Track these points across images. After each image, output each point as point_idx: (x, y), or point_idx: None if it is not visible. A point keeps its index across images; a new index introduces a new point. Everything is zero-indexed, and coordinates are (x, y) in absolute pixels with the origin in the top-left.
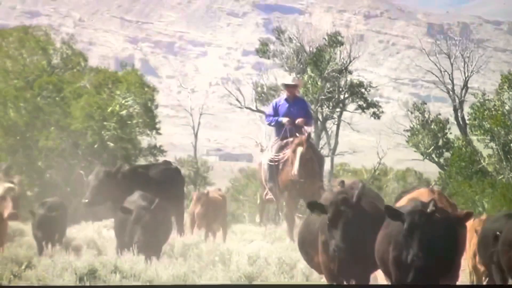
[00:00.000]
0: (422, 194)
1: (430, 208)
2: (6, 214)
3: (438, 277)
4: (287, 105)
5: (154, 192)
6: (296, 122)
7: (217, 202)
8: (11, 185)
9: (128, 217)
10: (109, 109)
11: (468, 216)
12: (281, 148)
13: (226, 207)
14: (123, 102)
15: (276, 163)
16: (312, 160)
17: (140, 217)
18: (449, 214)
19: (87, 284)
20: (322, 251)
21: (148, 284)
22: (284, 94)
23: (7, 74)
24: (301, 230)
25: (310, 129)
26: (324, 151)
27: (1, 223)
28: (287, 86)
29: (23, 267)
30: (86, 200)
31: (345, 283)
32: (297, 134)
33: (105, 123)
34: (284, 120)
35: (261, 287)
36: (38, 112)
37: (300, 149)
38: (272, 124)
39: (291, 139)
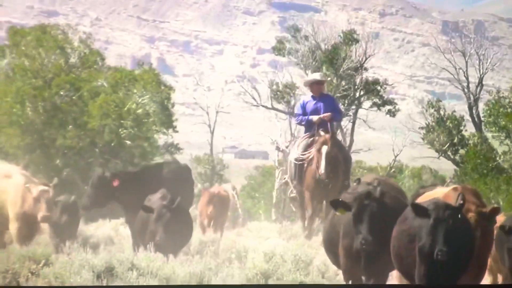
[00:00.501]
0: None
1: (458, 202)
2: (39, 216)
3: (461, 273)
4: (314, 101)
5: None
6: (322, 116)
7: (225, 200)
8: (46, 187)
9: (149, 216)
10: (126, 108)
11: (496, 211)
12: (307, 146)
13: (227, 204)
14: (139, 100)
15: (302, 162)
16: (337, 159)
17: (161, 216)
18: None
19: (104, 282)
20: (343, 255)
21: (165, 282)
22: (309, 92)
23: (25, 73)
24: (328, 231)
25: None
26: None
27: (34, 224)
28: (312, 83)
29: (40, 264)
30: (83, 205)
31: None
32: (321, 133)
33: (122, 121)
34: (315, 118)
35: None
36: (56, 111)
37: (325, 148)
38: (303, 123)
39: (317, 137)
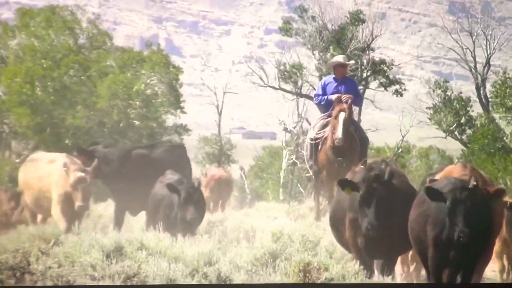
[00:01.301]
0: (454, 170)
1: (472, 183)
2: (76, 205)
3: (477, 255)
4: (335, 84)
5: (158, 173)
6: (343, 97)
7: (222, 183)
8: (82, 174)
9: (171, 196)
10: (134, 88)
11: (500, 193)
12: (323, 127)
13: (231, 185)
14: (148, 81)
15: (317, 141)
16: (352, 136)
17: (191, 196)
18: (487, 191)
19: (114, 261)
20: (349, 228)
21: (173, 261)
22: (332, 74)
23: (34, 53)
24: (333, 208)
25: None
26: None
27: (73, 212)
28: (336, 66)
29: (50, 244)
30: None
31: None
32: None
33: (130, 102)
34: (334, 97)
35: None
36: (65, 91)
37: (342, 114)
38: (322, 103)
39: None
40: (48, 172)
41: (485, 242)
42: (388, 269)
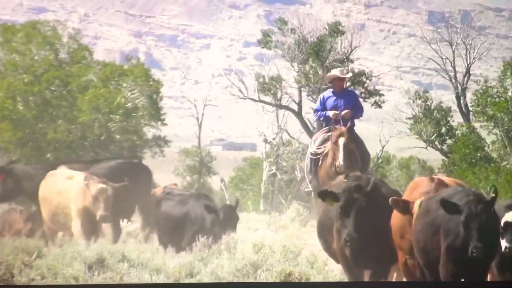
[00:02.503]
0: (421, 184)
1: (490, 196)
2: (98, 216)
3: (488, 265)
4: (334, 97)
5: None
6: (342, 114)
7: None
8: (104, 186)
9: (188, 214)
10: (115, 102)
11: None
12: (324, 141)
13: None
14: (129, 94)
15: (317, 156)
16: (353, 153)
17: (230, 216)
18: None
19: (96, 273)
20: (337, 238)
21: (155, 273)
22: (330, 88)
23: (16, 69)
24: (320, 217)
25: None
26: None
27: (95, 221)
28: (333, 79)
29: (33, 256)
30: None
31: (365, 275)
32: (337, 126)
33: (111, 115)
34: (331, 113)
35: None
36: (46, 106)
37: (342, 139)
38: (321, 119)
39: (333, 131)
40: (66, 187)
41: (495, 252)
42: (379, 279)
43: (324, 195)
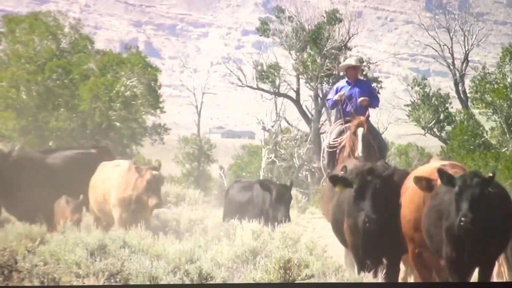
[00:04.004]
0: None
1: (490, 174)
2: (151, 203)
3: (496, 252)
4: (348, 87)
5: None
6: (359, 101)
7: None
8: (156, 172)
9: (253, 197)
10: (115, 90)
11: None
12: (340, 133)
13: None
14: (127, 82)
15: (334, 149)
16: (370, 145)
17: (282, 196)
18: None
19: (98, 259)
20: (348, 234)
21: (156, 259)
22: (345, 78)
23: (19, 59)
24: (334, 211)
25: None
26: (325, 127)
27: (146, 210)
28: (347, 68)
29: (36, 243)
30: None
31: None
32: (355, 116)
33: (111, 104)
34: (336, 96)
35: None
36: (49, 94)
37: (361, 130)
38: (329, 105)
39: (352, 121)
40: (111, 175)
41: (504, 239)
42: (392, 274)
43: (336, 180)
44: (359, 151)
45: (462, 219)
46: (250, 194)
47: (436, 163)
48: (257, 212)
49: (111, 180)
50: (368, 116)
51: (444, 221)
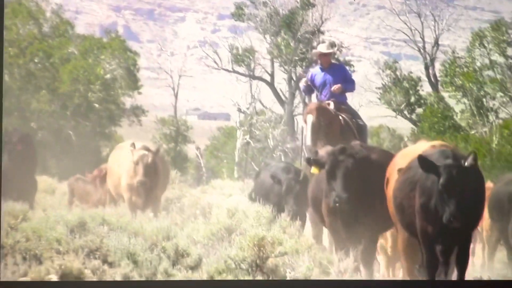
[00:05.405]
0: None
1: (469, 162)
2: (136, 181)
3: (471, 230)
4: (322, 73)
5: None
6: (333, 89)
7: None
8: (146, 152)
9: (273, 186)
10: (95, 73)
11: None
12: None
13: None
14: (107, 66)
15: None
16: (349, 128)
17: (291, 188)
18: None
19: (77, 235)
20: (326, 214)
21: (133, 236)
22: (318, 64)
23: (1, 43)
24: (313, 188)
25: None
26: (298, 109)
27: (151, 192)
28: (320, 55)
29: (19, 220)
30: None
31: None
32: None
33: (91, 86)
34: (300, 84)
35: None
36: (30, 77)
37: (310, 117)
38: (304, 94)
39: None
40: (124, 160)
41: (477, 215)
42: (367, 256)
43: (310, 162)
44: (307, 140)
45: (451, 219)
46: (270, 182)
47: (423, 144)
48: (276, 201)
49: (124, 164)
50: (344, 99)
51: (420, 197)
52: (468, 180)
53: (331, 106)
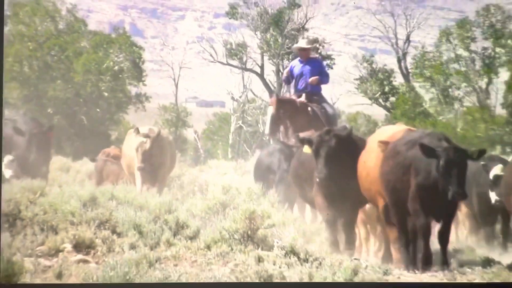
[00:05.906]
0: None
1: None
2: (136, 167)
3: (455, 209)
4: (300, 65)
5: None
6: (309, 81)
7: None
8: (144, 139)
9: (271, 163)
10: (104, 65)
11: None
12: None
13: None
14: (116, 59)
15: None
16: (317, 117)
17: (282, 180)
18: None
19: (89, 209)
20: (316, 189)
21: (139, 209)
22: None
23: (22, 38)
24: (295, 166)
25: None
26: None
27: (156, 173)
28: (299, 49)
29: (37, 195)
30: None
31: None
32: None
33: (101, 76)
34: (284, 73)
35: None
36: (47, 68)
37: (270, 109)
38: (285, 82)
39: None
40: (135, 143)
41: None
42: (348, 228)
43: (302, 141)
44: (266, 129)
45: (456, 196)
46: (271, 160)
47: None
48: (273, 178)
49: (132, 148)
50: (319, 90)
51: (413, 177)
52: (461, 159)
53: (303, 98)
